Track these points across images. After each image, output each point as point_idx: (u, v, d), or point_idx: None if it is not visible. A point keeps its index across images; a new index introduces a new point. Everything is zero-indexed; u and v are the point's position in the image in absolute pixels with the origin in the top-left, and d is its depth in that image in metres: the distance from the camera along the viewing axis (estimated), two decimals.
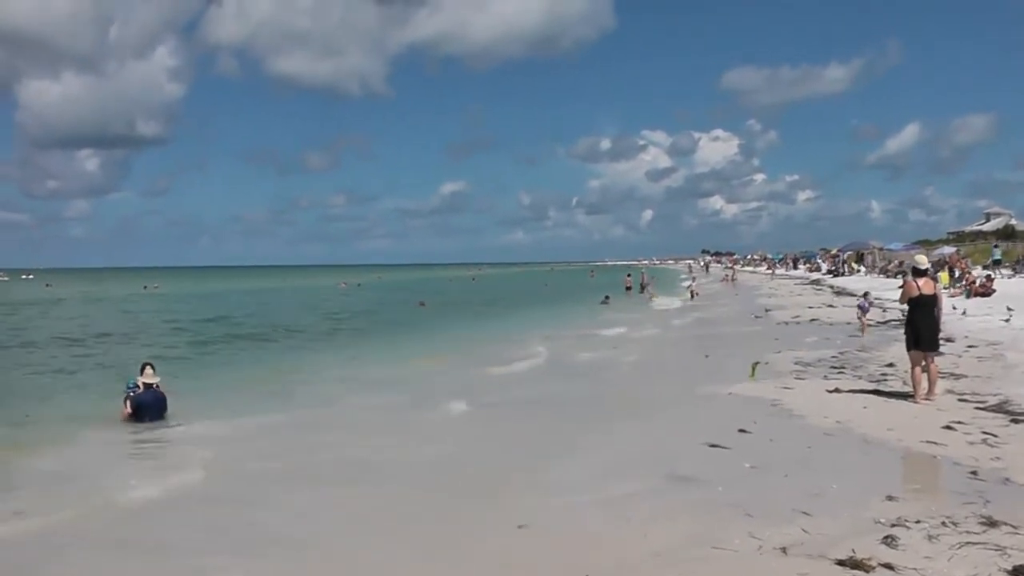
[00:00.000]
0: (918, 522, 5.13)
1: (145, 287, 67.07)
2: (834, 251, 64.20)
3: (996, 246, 41.24)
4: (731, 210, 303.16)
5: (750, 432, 8.04)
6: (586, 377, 13.28)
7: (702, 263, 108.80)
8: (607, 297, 34.45)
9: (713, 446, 7.52)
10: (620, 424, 9.08)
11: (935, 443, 7.32)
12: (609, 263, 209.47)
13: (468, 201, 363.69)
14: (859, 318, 17.64)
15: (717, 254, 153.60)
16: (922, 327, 9.49)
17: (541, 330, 21.10)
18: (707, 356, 14.71)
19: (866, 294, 19.20)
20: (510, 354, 16.02)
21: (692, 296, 36.10)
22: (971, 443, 7.25)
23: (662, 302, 33.83)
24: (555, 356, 16.05)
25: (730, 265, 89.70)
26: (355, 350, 18.39)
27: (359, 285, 67.01)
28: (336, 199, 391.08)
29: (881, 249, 53.90)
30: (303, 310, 36.84)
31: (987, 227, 65.64)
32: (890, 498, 5.69)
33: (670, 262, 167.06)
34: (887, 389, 10.31)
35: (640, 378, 12.93)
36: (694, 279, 54.44)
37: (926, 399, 9.29)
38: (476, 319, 27.98)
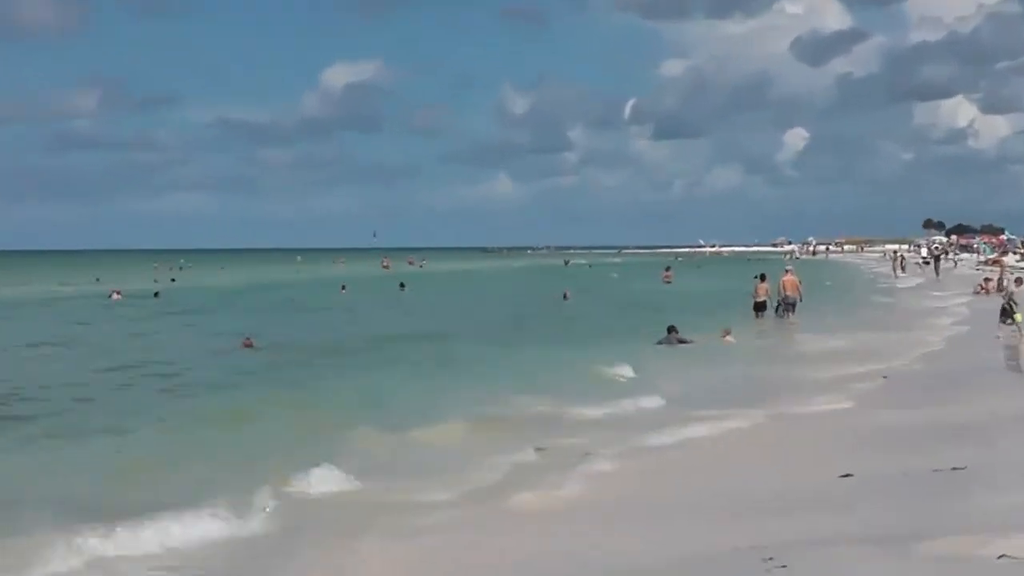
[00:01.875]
0: None
1: None
2: None
3: None
4: (991, 128, 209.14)
5: None
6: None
7: (914, 251, 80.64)
8: (672, 329, 24.79)
9: None
10: None
11: None
12: (707, 249, 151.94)
13: (389, 107, 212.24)
14: None
15: (959, 233, 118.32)
16: None
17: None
18: (954, 468, 10.32)
19: None
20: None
21: None
22: None
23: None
24: None
25: (995, 258, 66.73)
26: None
27: (156, 295, 47.49)
28: (82, 101, 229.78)
29: None
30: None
31: None
32: None
33: (848, 249, 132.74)
34: None
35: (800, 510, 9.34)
36: None
37: None
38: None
